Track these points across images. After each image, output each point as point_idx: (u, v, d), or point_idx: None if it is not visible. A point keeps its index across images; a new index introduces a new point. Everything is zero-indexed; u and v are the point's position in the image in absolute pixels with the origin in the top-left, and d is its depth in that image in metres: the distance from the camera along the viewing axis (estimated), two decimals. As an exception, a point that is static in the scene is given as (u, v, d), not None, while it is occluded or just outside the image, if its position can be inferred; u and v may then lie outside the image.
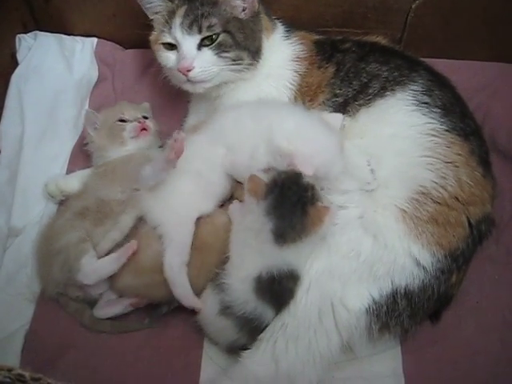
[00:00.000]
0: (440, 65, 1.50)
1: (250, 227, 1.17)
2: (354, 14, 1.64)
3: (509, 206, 1.46)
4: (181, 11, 1.33)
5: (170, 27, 1.34)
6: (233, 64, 1.35)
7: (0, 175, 1.51)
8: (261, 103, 1.35)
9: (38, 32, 1.72)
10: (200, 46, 1.32)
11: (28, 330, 1.34)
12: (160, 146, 1.48)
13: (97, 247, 1.27)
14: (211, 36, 1.32)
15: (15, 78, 1.61)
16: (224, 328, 1.21)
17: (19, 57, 1.67)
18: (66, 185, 1.49)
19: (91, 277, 1.23)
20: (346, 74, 1.38)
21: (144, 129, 1.44)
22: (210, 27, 1.31)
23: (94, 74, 1.75)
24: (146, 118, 1.49)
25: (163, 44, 1.37)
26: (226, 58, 1.34)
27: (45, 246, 1.33)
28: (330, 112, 1.36)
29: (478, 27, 1.67)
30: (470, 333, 1.32)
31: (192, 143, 1.26)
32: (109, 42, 1.81)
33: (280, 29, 1.48)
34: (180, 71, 1.31)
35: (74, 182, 1.47)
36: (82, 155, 1.59)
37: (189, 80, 1.33)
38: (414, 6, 1.60)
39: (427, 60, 1.48)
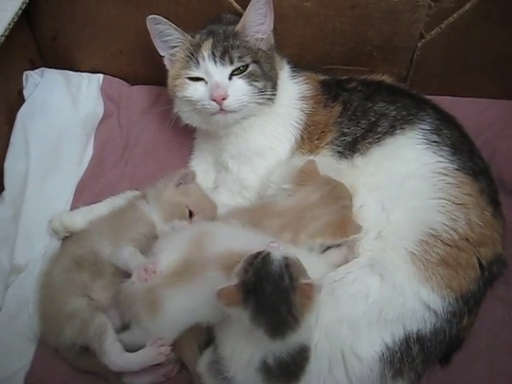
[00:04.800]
0: (446, 102, 1.50)
1: (240, 328, 1.07)
2: (359, 53, 1.64)
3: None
4: (207, 44, 1.34)
5: (197, 61, 1.34)
6: (260, 94, 1.36)
7: (4, 212, 1.50)
8: None
9: (44, 68, 1.73)
10: (230, 75, 1.34)
11: (28, 371, 1.30)
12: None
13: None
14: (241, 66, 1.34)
15: (21, 114, 1.61)
16: None
17: (26, 93, 1.67)
18: (70, 221, 1.47)
19: (119, 367, 1.19)
20: (354, 112, 1.39)
21: None
22: (240, 58, 1.34)
23: (100, 110, 1.76)
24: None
25: (188, 78, 1.37)
26: (255, 87, 1.35)
27: (50, 302, 1.29)
28: (340, 151, 1.37)
29: (483, 64, 1.68)
30: (480, 377, 1.28)
31: None
32: (115, 79, 1.82)
33: (286, 68, 1.49)
34: (215, 99, 1.31)
35: (78, 219, 1.46)
36: (87, 192, 1.59)
37: (222, 109, 1.33)
38: (419, 45, 1.61)
39: (433, 97, 1.48)
